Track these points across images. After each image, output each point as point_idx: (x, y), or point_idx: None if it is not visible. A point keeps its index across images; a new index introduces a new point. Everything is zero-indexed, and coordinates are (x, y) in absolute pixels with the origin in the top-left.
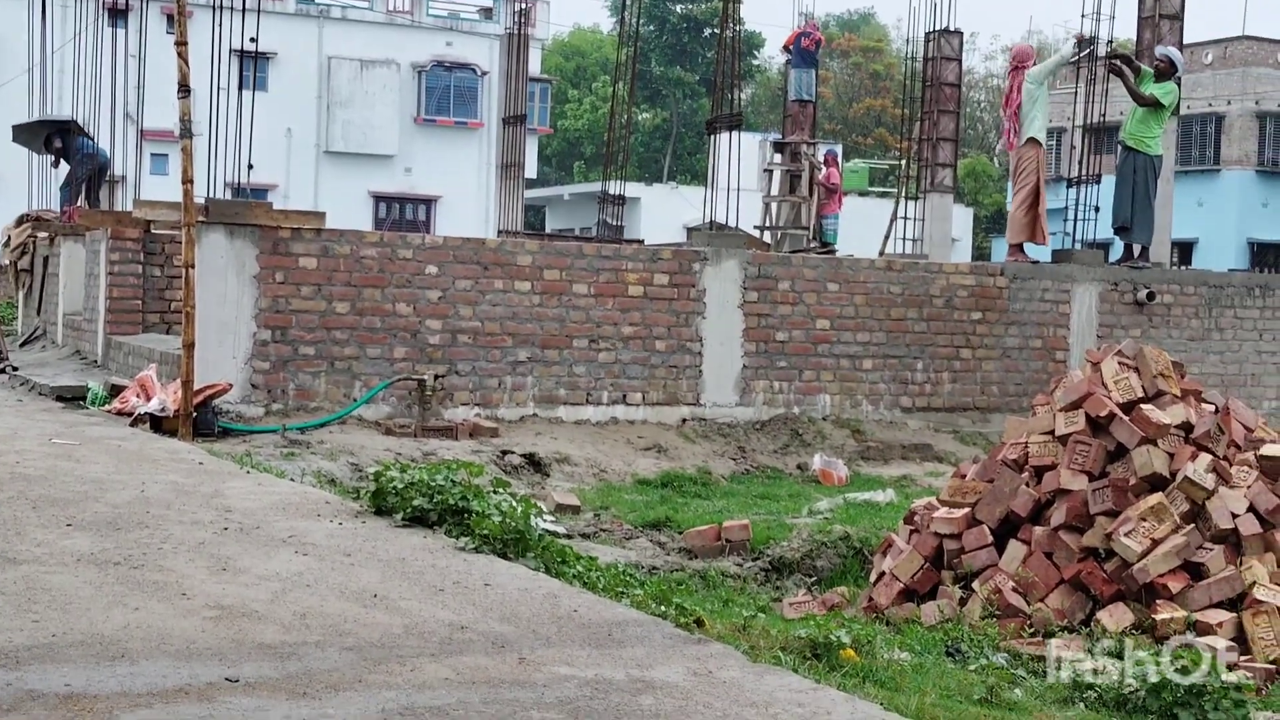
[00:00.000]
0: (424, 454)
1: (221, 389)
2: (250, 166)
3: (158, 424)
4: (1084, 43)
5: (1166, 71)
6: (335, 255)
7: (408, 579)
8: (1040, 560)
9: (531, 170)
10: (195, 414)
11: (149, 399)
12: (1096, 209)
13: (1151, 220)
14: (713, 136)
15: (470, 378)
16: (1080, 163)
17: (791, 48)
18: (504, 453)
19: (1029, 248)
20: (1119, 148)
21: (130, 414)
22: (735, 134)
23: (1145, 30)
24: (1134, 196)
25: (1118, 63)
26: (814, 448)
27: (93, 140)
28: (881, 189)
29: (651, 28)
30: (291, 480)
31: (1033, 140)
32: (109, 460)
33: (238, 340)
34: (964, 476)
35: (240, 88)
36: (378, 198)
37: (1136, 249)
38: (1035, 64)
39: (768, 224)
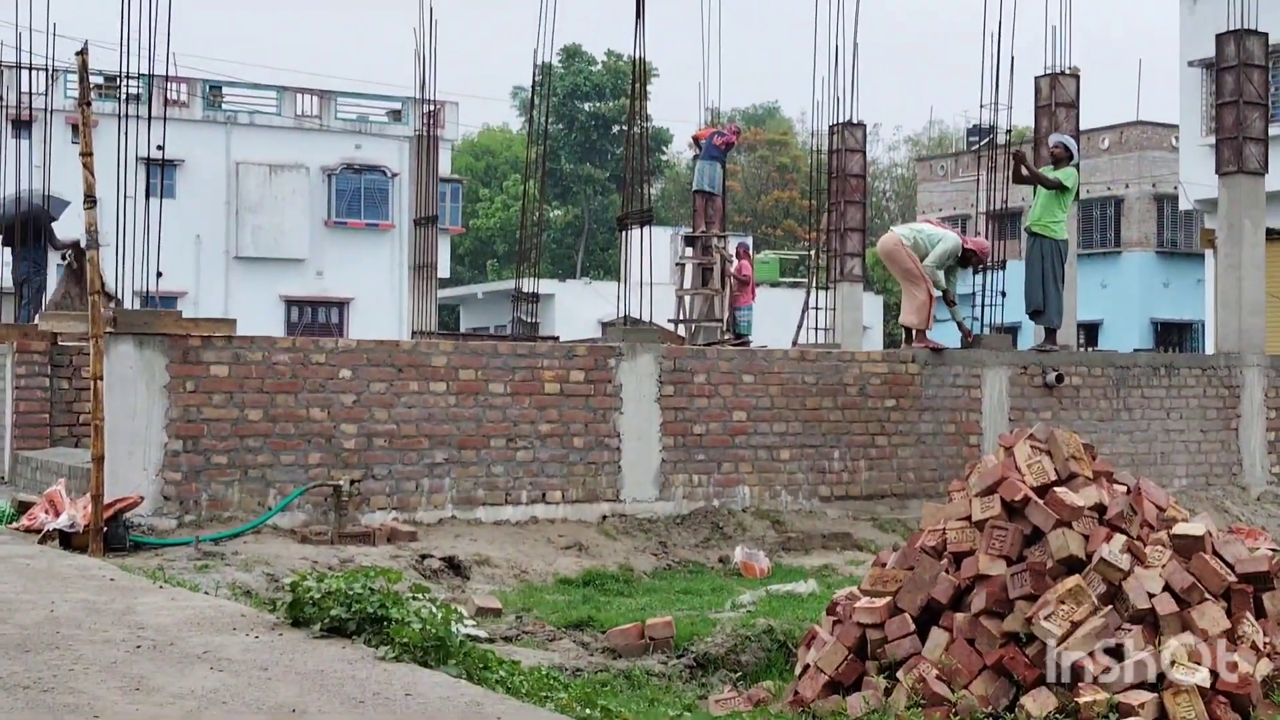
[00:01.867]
0: (341, 561)
1: (132, 502)
2: (159, 274)
3: (67, 540)
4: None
5: (1063, 158)
6: (247, 362)
7: (327, 692)
8: (963, 647)
9: (444, 270)
10: (106, 529)
11: (58, 515)
12: (1003, 294)
13: (1061, 302)
14: (624, 232)
15: (387, 481)
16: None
17: (703, 142)
18: (423, 556)
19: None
20: (1025, 235)
21: (39, 531)
22: (647, 229)
23: (1043, 118)
24: (1044, 280)
25: (1020, 165)
26: (735, 540)
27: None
28: (792, 279)
29: (560, 126)
30: (206, 594)
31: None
32: (16, 579)
33: (148, 451)
34: (884, 565)
35: (148, 195)
36: (289, 302)
37: (1045, 334)
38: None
39: (681, 317)
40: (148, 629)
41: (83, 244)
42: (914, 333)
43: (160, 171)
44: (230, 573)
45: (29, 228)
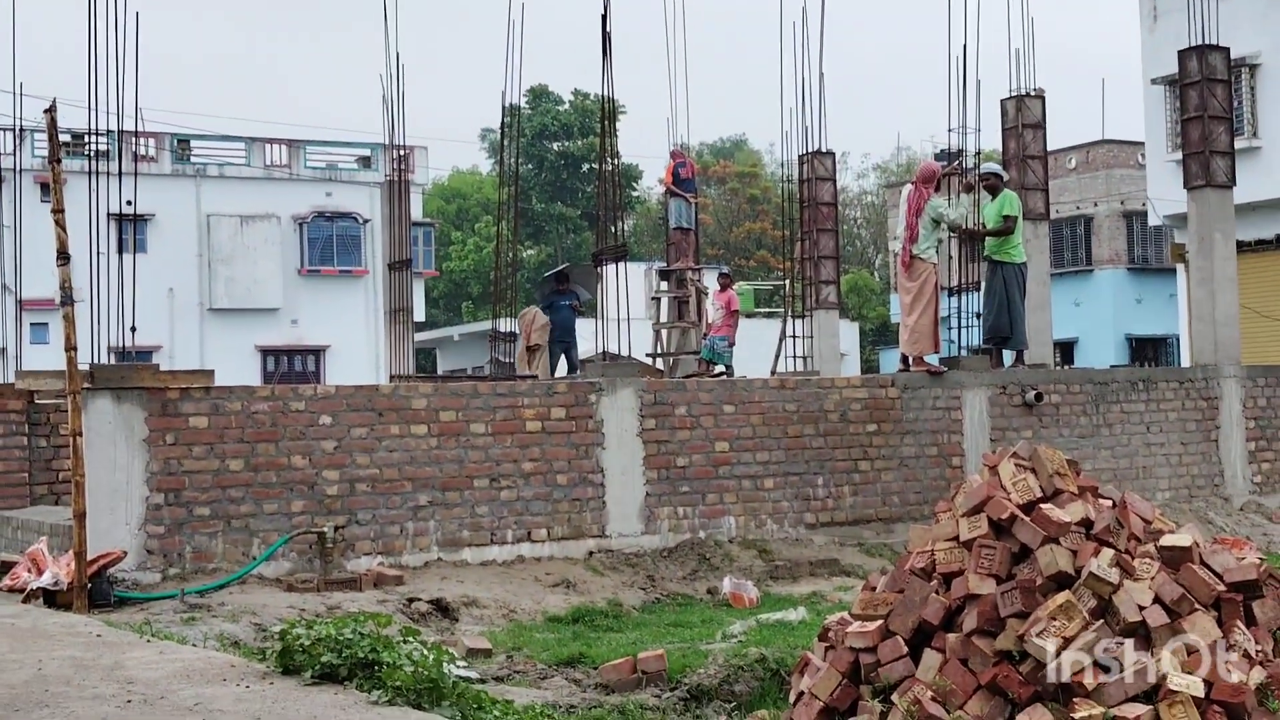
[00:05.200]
0: (328, 608)
1: (116, 557)
2: (134, 329)
3: (52, 598)
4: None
5: (997, 186)
6: (226, 413)
7: None
8: (956, 667)
9: (420, 314)
10: (90, 585)
11: (41, 573)
12: (978, 315)
13: (1024, 324)
14: (599, 268)
15: (371, 526)
16: (960, 271)
17: (672, 184)
18: (410, 600)
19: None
20: (985, 263)
21: (22, 590)
22: (621, 264)
23: (1010, 140)
24: (1008, 305)
25: (968, 236)
26: (722, 571)
27: None
28: (768, 309)
29: (530, 166)
30: (194, 646)
31: (911, 258)
32: (3, 639)
33: (130, 506)
34: (874, 589)
35: (120, 251)
36: (265, 351)
37: (1012, 355)
38: (938, 182)
39: (659, 351)
40: (137, 683)
41: (57, 300)
42: (912, 358)
43: (132, 226)
44: (217, 624)
45: None
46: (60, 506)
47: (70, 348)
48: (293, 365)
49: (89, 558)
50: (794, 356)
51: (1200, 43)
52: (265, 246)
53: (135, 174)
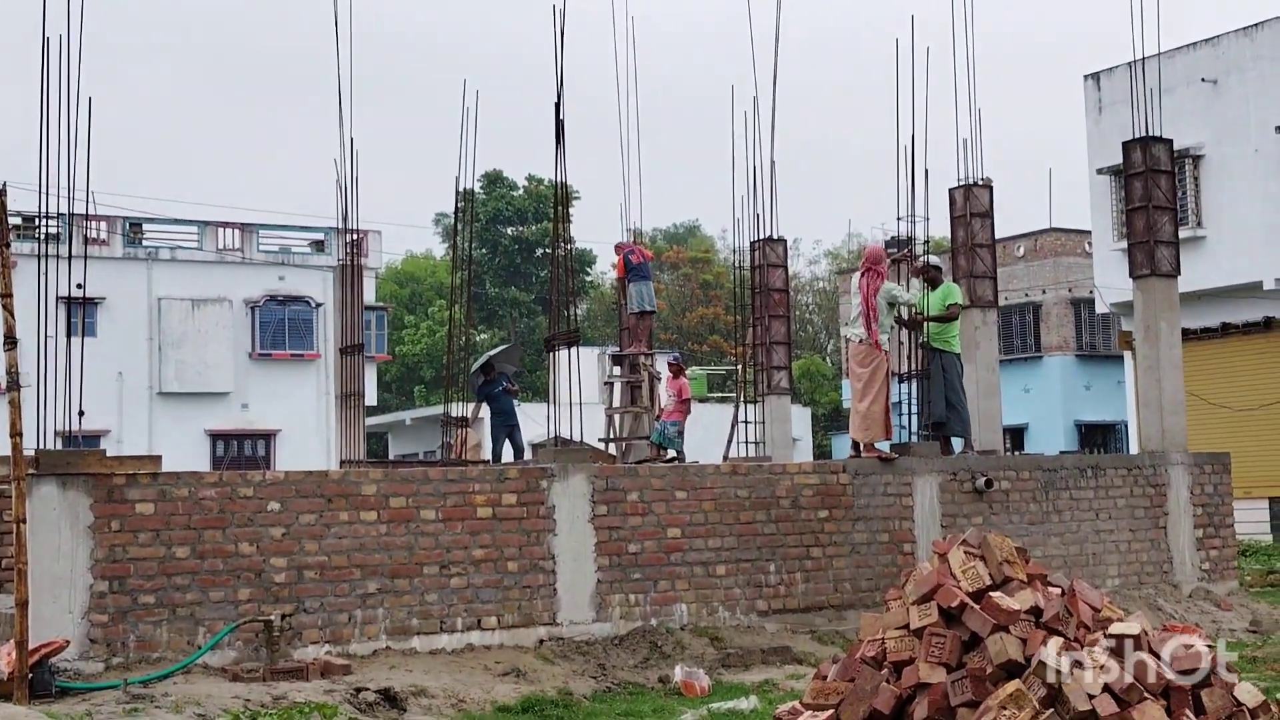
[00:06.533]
0: (274, 698)
1: (58, 646)
2: (81, 413)
3: None
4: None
5: (937, 278)
6: (173, 499)
7: None
8: None
9: (371, 398)
10: (31, 675)
11: None
12: (929, 402)
13: (967, 411)
14: (552, 353)
15: (319, 614)
16: (909, 358)
17: (628, 273)
18: (358, 690)
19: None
20: (924, 351)
21: None
22: (574, 349)
23: (958, 229)
24: (947, 392)
25: (914, 326)
26: (674, 659)
27: None
28: (720, 394)
29: (484, 250)
30: None
31: (879, 343)
32: None
33: (74, 594)
34: (825, 678)
35: (69, 334)
36: (215, 436)
37: (961, 442)
38: (885, 265)
39: (612, 436)
40: None
41: (3, 385)
42: (863, 445)
43: (81, 310)
44: (161, 715)
45: None
46: (2, 594)
47: (15, 433)
48: (243, 450)
49: (31, 647)
50: (746, 442)
51: (1144, 134)
52: (216, 330)
53: (85, 257)
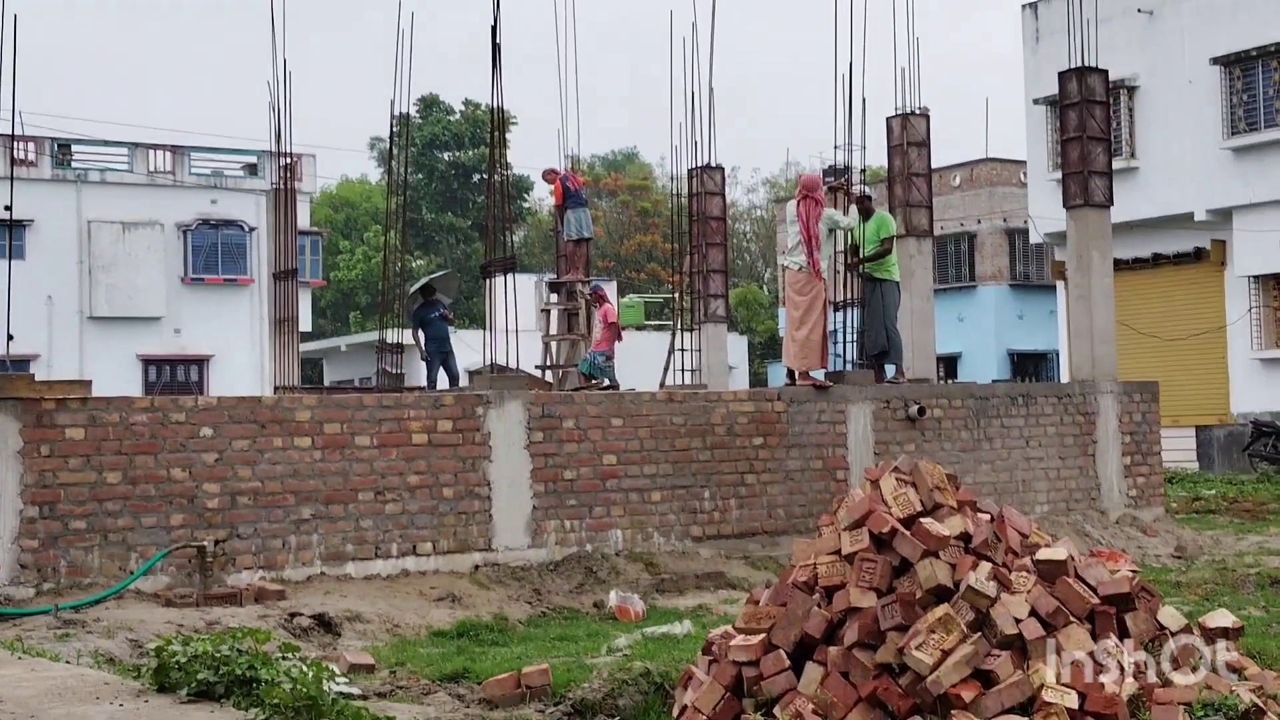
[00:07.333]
0: (208, 624)
1: None
2: (10, 337)
3: None
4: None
5: (870, 208)
6: (104, 424)
7: None
8: (837, 680)
9: (306, 324)
10: None
11: None
12: (862, 332)
13: (901, 340)
14: (488, 280)
15: (253, 540)
16: (845, 286)
17: (565, 200)
18: (292, 615)
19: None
20: (861, 281)
21: None
22: (510, 276)
23: (895, 158)
24: (885, 321)
25: (855, 263)
26: (609, 584)
27: None
28: (657, 322)
29: (420, 176)
30: (67, 663)
31: (819, 271)
32: None
33: (3, 519)
34: (757, 602)
35: None
36: (147, 361)
37: (894, 370)
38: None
39: (548, 363)
40: (6, 702)
41: None
42: (798, 373)
43: (9, 232)
44: (92, 640)
45: None
46: None
47: None
48: (175, 375)
49: None
50: (683, 370)
51: (1080, 64)
52: (148, 254)
53: (12, 178)
